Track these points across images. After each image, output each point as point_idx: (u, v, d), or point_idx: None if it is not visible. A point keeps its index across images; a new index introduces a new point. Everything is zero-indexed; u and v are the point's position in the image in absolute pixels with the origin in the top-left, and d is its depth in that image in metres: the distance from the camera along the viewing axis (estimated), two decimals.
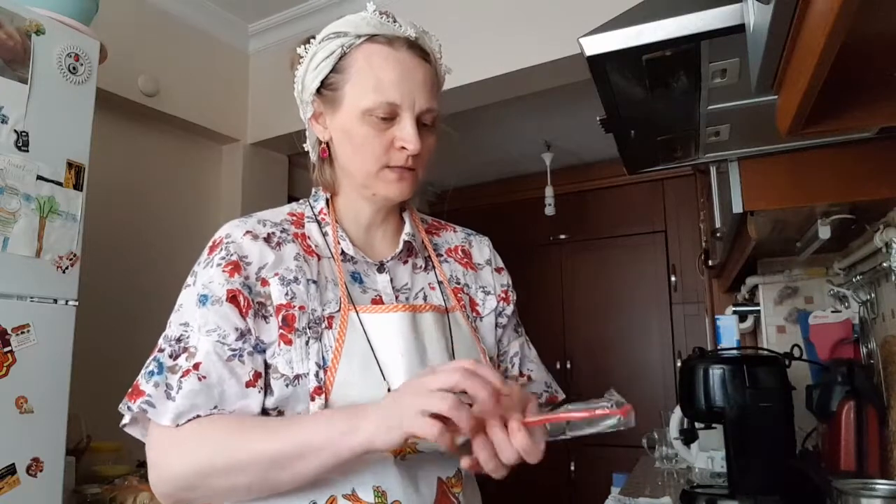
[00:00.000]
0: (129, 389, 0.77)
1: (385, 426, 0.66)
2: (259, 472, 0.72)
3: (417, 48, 0.84)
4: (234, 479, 0.73)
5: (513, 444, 0.67)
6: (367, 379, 0.78)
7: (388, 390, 0.77)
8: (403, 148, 0.82)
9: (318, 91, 0.86)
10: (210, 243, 0.84)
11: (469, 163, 3.97)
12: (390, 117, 0.81)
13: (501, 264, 1.02)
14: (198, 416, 0.74)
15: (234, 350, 0.76)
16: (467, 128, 3.35)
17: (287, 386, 0.77)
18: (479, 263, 0.99)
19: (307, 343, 0.78)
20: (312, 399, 0.76)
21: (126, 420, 0.77)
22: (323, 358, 0.78)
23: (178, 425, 0.74)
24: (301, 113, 0.92)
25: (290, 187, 3.24)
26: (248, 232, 0.83)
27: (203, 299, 0.78)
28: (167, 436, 0.75)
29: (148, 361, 0.78)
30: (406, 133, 0.81)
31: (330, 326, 0.80)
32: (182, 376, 0.75)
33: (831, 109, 0.61)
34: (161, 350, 0.78)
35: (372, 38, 0.83)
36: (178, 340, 0.77)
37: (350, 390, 0.77)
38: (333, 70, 0.84)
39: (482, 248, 1.01)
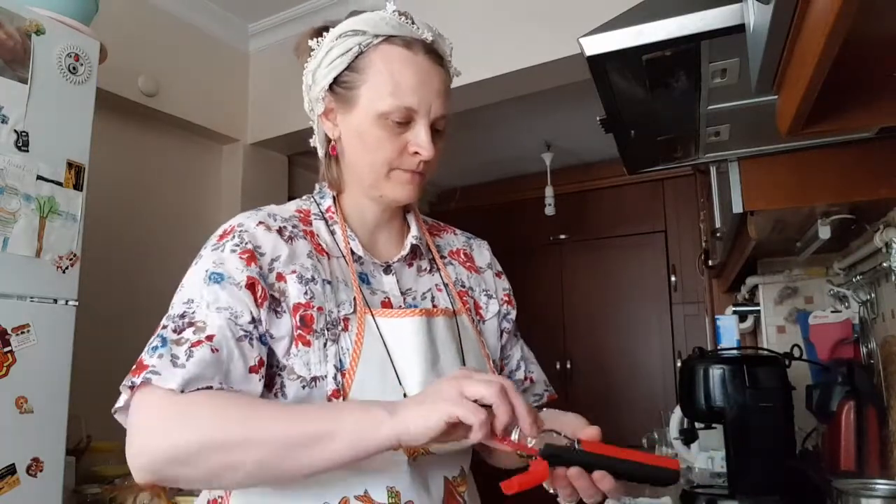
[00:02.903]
0: (133, 367, 0.71)
1: (424, 411, 0.64)
2: (274, 451, 0.66)
3: (434, 52, 0.84)
4: (241, 455, 0.66)
5: (601, 489, 0.69)
6: (384, 384, 0.78)
7: (405, 395, 0.77)
8: (416, 153, 0.82)
9: (331, 88, 0.85)
10: (219, 231, 0.82)
11: (469, 163, 3.97)
12: (405, 122, 0.81)
13: (500, 269, 1.02)
14: (208, 388, 0.69)
15: (245, 332, 0.74)
16: (467, 128, 3.35)
17: (304, 388, 0.77)
18: (481, 267, 0.99)
19: (325, 345, 0.78)
20: (329, 402, 0.75)
21: (121, 402, 0.71)
22: (340, 360, 0.77)
23: (183, 391, 0.68)
24: (306, 106, 0.90)
25: (290, 187, 3.24)
26: (261, 223, 0.82)
27: (217, 277, 0.75)
28: (169, 401, 0.67)
29: (151, 339, 0.73)
30: (420, 139, 0.81)
31: (346, 329, 0.79)
32: (192, 346, 0.70)
33: (831, 109, 0.61)
34: (164, 327, 0.74)
35: (390, 38, 0.82)
36: (182, 316, 0.74)
37: (367, 394, 0.76)
38: (349, 68, 0.83)
39: (482, 252, 1.01)
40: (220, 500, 0.80)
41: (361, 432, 0.65)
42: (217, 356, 0.71)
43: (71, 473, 1.88)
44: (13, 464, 1.55)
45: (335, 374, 0.76)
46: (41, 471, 1.60)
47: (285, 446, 0.66)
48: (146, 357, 0.71)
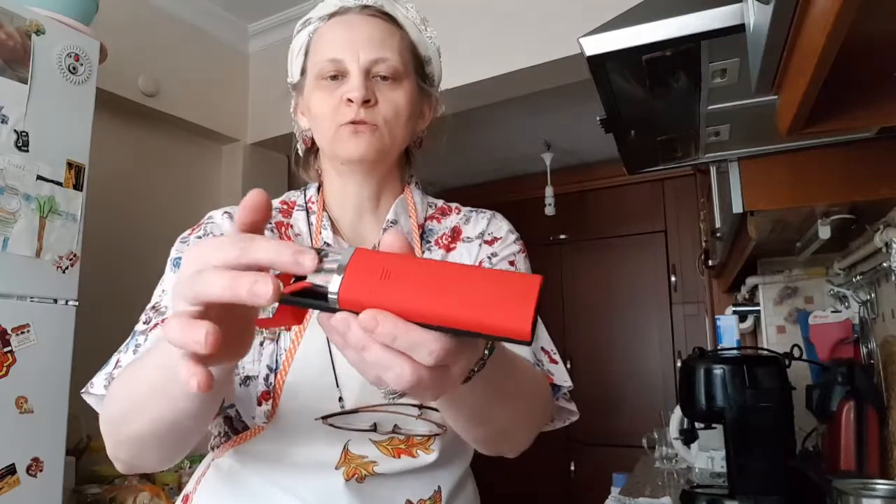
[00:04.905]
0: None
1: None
2: (142, 412, 0.60)
3: (370, 9, 0.82)
4: (130, 424, 0.62)
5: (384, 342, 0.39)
6: (318, 383, 0.73)
7: (340, 399, 0.72)
8: (350, 101, 0.78)
9: (297, 82, 0.87)
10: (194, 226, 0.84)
11: (469, 163, 3.97)
12: (340, 76, 0.79)
13: (500, 235, 0.88)
14: None
15: None
16: (467, 128, 3.35)
17: (240, 385, 0.74)
18: (468, 238, 0.87)
19: (262, 344, 0.74)
20: (259, 403, 0.72)
21: (97, 391, 0.71)
22: (276, 361, 0.73)
23: None
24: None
25: (290, 187, 3.23)
26: (226, 213, 0.84)
27: (176, 262, 0.77)
28: None
29: None
30: (349, 83, 0.78)
31: (288, 329, 0.75)
32: (151, 330, 0.72)
33: (831, 109, 0.61)
34: (139, 322, 0.76)
35: (331, 16, 0.83)
36: (154, 308, 0.76)
37: (299, 397, 0.72)
38: (305, 58, 0.85)
39: (478, 223, 0.89)
40: (189, 495, 0.82)
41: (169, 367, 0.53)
42: None
43: (71, 473, 1.88)
44: (13, 464, 1.55)
45: (267, 375, 0.73)
46: (41, 471, 1.60)
47: (140, 403, 0.60)
48: (119, 354, 0.74)
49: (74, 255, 1.74)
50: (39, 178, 1.68)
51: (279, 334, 0.75)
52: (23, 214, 1.63)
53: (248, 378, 0.74)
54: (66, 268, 1.72)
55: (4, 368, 1.56)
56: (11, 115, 1.63)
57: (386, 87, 0.80)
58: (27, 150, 1.65)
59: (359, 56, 0.78)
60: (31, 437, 1.60)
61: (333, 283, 0.39)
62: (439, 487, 0.77)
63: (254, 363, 0.74)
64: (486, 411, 0.62)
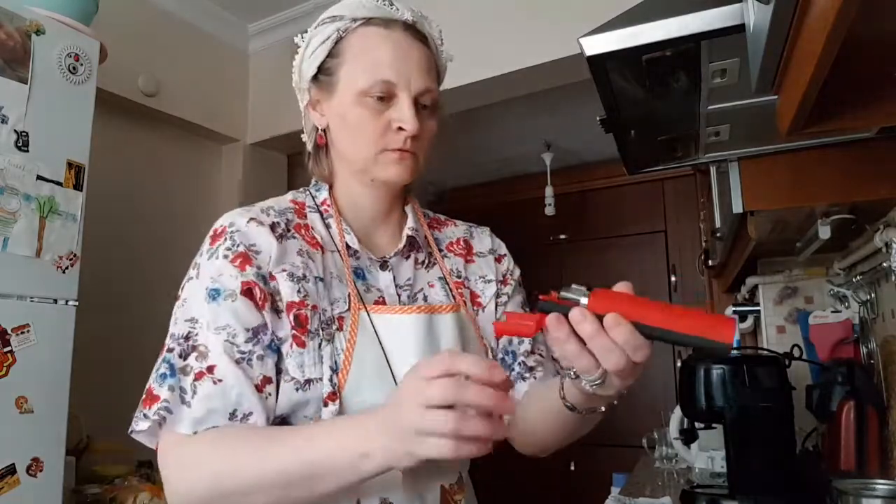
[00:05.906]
0: (143, 396, 0.72)
1: (395, 454, 0.61)
2: (275, 494, 0.67)
3: (414, 30, 0.83)
4: (251, 499, 0.67)
5: (616, 340, 0.58)
6: (379, 383, 0.76)
7: None
8: (401, 129, 0.79)
9: (315, 77, 0.85)
10: (211, 233, 0.80)
11: (469, 163, 3.97)
12: (387, 98, 0.79)
13: (503, 252, 0.99)
14: (215, 427, 0.70)
15: (242, 353, 0.72)
16: (467, 128, 3.35)
17: (297, 390, 0.74)
18: (481, 252, 0.96)
19: (320, 346, 0.75)
20: (325, 405, 0.74)
21: (143, 428, 0.71)
22: (335, 362, 0.75)
23: (195, 433, 0.70)
24: (300, 103, 0.90)
25: (290, 187, 3.23)
26: (252, 219, 0.79)
27: (214, 294, 0.74)
28: (183, 447, 0.70)
29: (158, 363, 0.73)
30: (403, 114, 0.79)
31: (341, 328, 0.77)
32: (196, 379, 0.71)
33: (831, 109, 0.61)
34: (170, 350, 0.73)
35: (368, 21, 0.81)
36: (186, 338, 0.73)
37: (363, 395, 0.75)
38: (329, 55, 0.83)
39: (483, 239, 0.98)
40: None
41: (343, 474, 0.64)
42: (221, 387, 0.71)
43: (71, 473, 1.88)
44: (13, 464, 1.55)
45: (331, 376, 0.74)
46: (41, 471, 1.60)
47: (281, 487, 0.66)
48: (156, 386, 0.72)
49: (74, 255, 1.74)
50: (39, 178, 1.68)
51: (333, 335, 0.77)
52: (23, 214, 1.63)
53: (308, 381, 0.75)
54: (66, 268, 1.72)
55: (4, 368, 1.56)
56: (11, 115, 1.63)
57: (426, 115, 0.82)
58: (27, 150, 1.65)
59: (410, 83, 0.80)
60: (31, 437, 1.59)
61: (584, 298, 0.59)
62: (461, 475, 0.85)
63: (315, 366, 0.75)
64: (580, 430, 0.79)
